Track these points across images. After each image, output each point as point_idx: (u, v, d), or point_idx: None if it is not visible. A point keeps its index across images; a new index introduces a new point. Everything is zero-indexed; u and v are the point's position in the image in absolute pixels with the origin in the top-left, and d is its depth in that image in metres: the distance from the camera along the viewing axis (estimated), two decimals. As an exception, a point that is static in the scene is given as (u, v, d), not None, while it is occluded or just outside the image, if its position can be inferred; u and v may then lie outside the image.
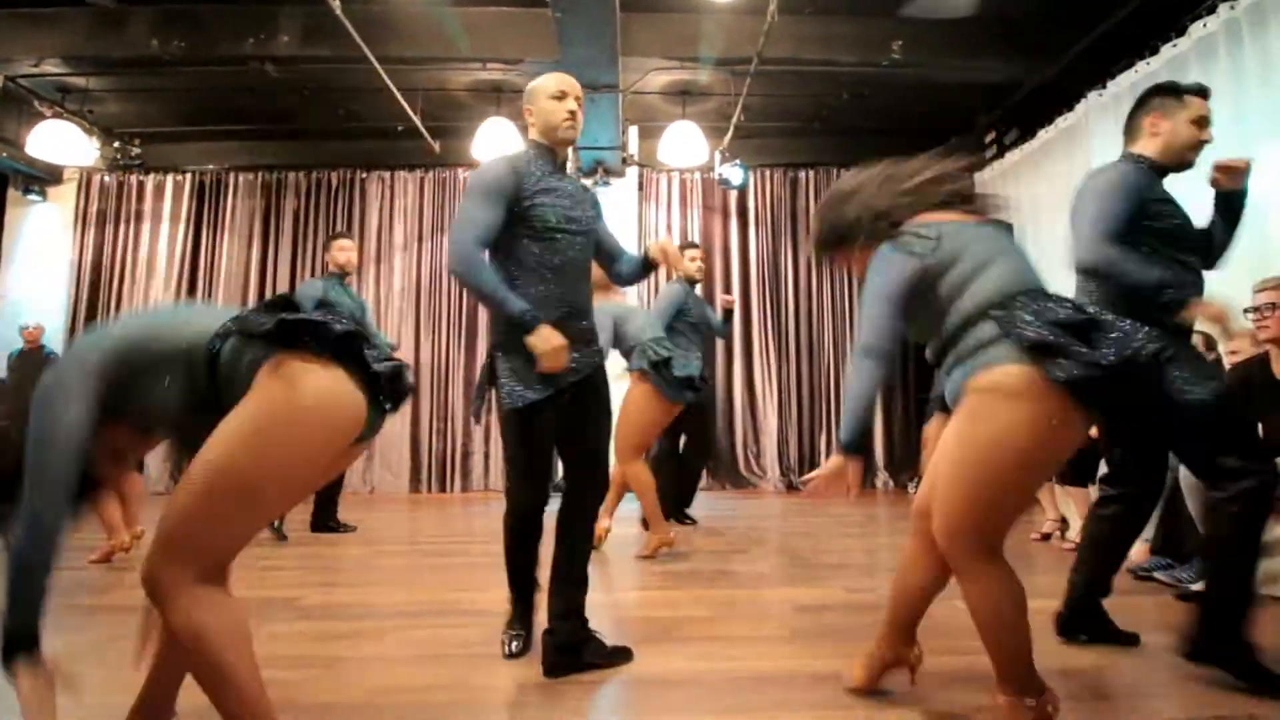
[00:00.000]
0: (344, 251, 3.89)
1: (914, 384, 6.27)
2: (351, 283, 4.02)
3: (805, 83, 5.43)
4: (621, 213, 6.32)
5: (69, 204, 6.48)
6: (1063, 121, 4.91)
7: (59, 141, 5.32)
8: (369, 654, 1.94)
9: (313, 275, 6.52)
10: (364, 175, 6.57)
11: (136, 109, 5.92)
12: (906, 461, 6.18)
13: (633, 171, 6.48)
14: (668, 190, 6.64)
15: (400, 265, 6.48)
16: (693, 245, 4.06)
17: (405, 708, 1.62)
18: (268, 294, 6.41)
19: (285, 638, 2.04)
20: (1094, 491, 2.95)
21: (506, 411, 1.81)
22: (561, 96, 1.85)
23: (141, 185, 6.54)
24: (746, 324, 6.46)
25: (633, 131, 6.06)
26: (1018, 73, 5.04)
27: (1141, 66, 4.13)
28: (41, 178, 6.31)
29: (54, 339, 6.16)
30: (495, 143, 5.42)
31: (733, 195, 6.56)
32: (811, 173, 6.62)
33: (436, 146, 5.86)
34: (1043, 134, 5.14)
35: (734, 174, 5.87)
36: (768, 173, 6.62)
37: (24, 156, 5.68)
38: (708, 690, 1.71)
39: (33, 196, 6.33)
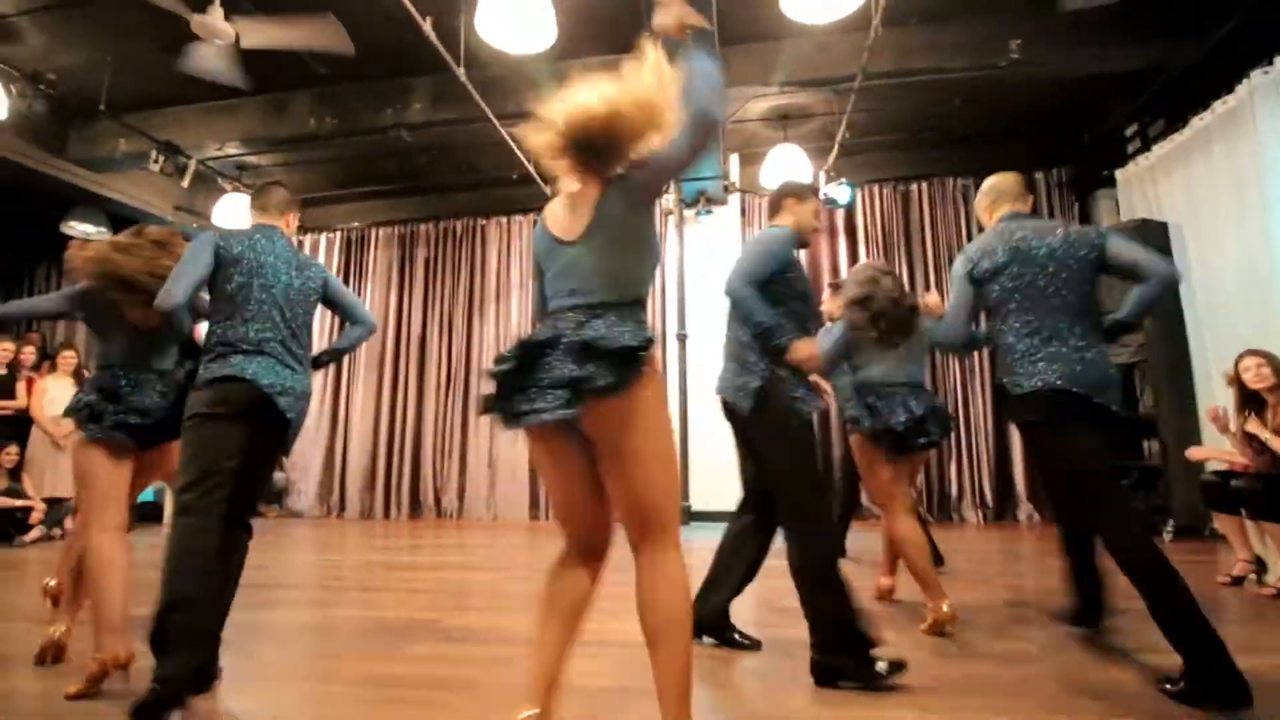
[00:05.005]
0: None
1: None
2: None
3: (911, 93, 5.23)
4: (725, 240, 6.35)
5: (244, 265, 7.51)
6: (1221, 106, 4.39)
7: (238, 211, 6.21)
8: (502, 680, 2.05)
9: (442, 318, 7.11)
10: (484, 222, 7.11)
11: (298, 179, 6.79)
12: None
13: (735, 199, 6.52)
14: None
15: (517, 301, 6.90)
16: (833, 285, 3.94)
17: (536, 734, 1.71)
18: (404, 336, 7.05)
19: (427, 659, 2.22)
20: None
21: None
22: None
23: (300, 244, 7.46)
24: (861, 345, 6.23)
25: (733, 159, 6.11)
26: (1159, 57, 4.58)
27: (1317, 37, 3.63)
28: (224, 244, 7.37)
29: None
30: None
31: (840, 214, 6.40)
32: (925, 184, 6.33)
33: (548, 190, 6.22)
34: (1196, 121, 4.61)
35: (840, 193, 5.74)
36: (876, 188, 6.40)
37: (212, 226, 6.67)
38: None
39: (217, 260, 7.39)
